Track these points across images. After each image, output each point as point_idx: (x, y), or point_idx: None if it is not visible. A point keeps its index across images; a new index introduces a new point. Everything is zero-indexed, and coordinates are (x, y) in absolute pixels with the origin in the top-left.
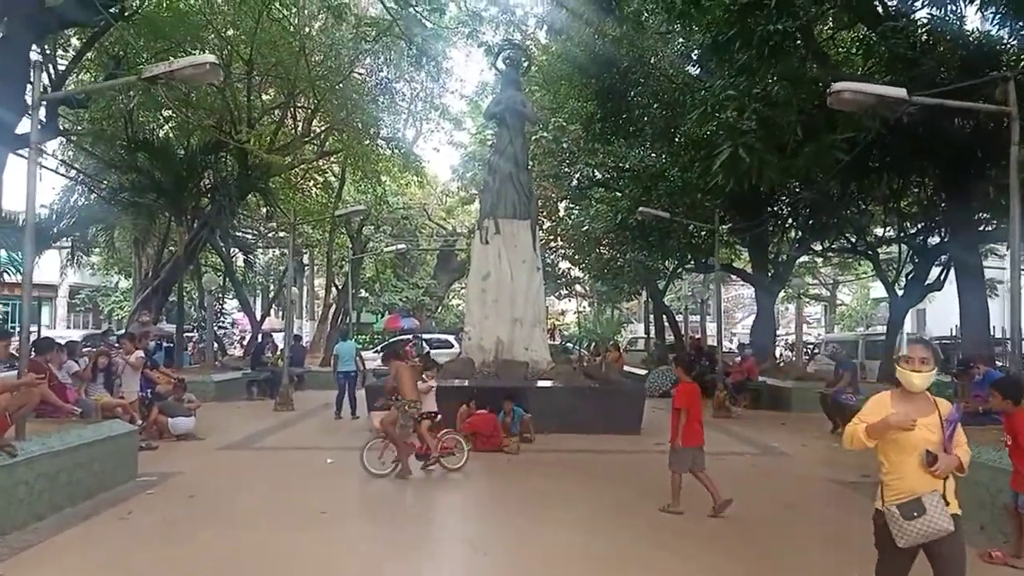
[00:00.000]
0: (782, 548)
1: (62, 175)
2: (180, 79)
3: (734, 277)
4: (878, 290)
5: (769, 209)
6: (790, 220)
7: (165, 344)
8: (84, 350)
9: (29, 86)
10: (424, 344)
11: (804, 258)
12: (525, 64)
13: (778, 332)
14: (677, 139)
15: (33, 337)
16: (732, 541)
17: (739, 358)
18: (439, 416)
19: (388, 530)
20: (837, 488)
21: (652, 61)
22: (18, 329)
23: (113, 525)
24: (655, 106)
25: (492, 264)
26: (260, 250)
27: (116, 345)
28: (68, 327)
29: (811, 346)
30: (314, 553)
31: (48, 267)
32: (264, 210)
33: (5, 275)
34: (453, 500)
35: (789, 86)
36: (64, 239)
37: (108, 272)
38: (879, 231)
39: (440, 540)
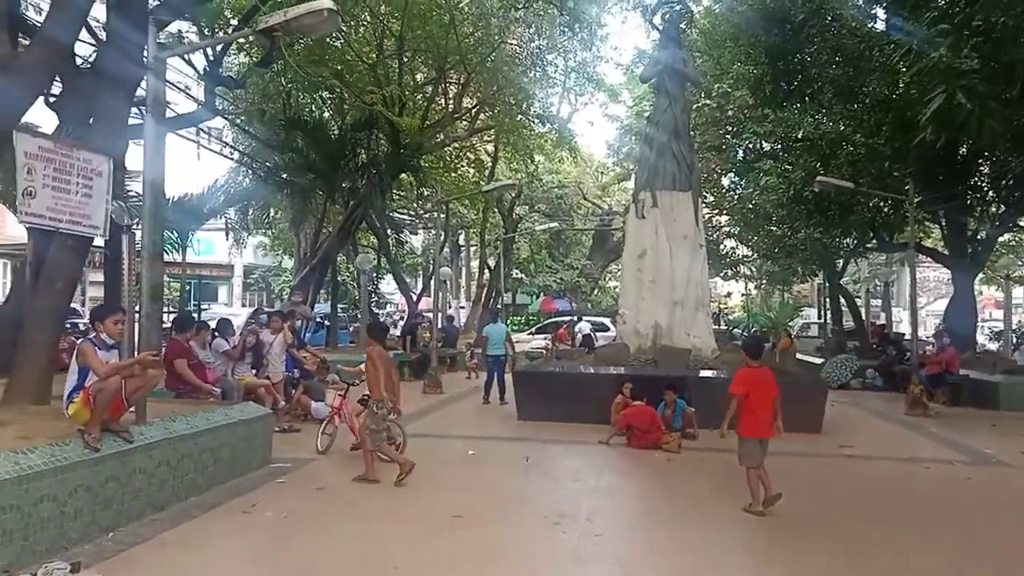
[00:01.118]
0: None
1: (216, 153)
2: (298, 30)
3: (922, 257)
4: None
5: (969, 181)
6: (991, 192)
7: (325, 323)
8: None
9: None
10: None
11: (1006, 236)
12: (686, 20)
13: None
14: (861, 100)
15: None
16: None
17: (935, 347)
18: None
19: (523, 540)
20: None
21: (831, 13)
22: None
23: (233, 519)
24: (835, 64)
25: (649, 241)
26: (419, 230)
27: (265, 324)
28: (243, 305)
29: (1017, 334)
30: (434, 564)
31: (223, 248)
32: (418, 191)
33: (176, 255)
34: (604, 506)
35: (1019, 15)
36: (218, 217)
37: (275, 252)
38: None
39: (586, 560)
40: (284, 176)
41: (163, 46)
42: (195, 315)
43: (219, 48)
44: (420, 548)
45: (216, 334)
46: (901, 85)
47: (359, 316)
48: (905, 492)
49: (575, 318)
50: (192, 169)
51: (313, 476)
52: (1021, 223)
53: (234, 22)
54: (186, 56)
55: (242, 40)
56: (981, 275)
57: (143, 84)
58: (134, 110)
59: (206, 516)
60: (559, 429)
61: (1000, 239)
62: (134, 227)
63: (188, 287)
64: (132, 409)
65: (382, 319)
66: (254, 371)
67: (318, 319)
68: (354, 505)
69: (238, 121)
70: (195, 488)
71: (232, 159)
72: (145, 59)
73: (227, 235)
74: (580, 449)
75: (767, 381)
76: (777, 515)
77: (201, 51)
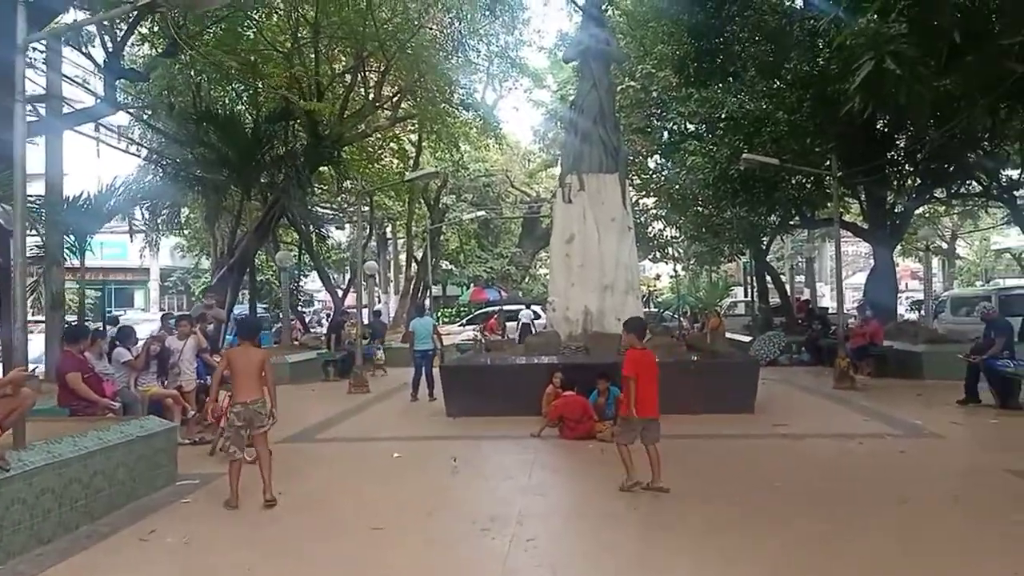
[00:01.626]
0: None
1: (121, 150)
2: (185, 5)
3: (843, 232)
4: (1000, 243)
5: (887, 155)
6: (907, 166)
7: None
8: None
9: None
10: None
11: (922, 208)
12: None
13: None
14: (783, 77)
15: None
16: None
17: (858, 320)
18: None
19: (449, 551)
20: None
21: None
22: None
23: (128, 548)
24: (756, 42)
25: (576, 225)
26: (345, 224)
27: (172, 330)
28: (161, 310)
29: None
30: None
31: (135, 251)
32: (340, 183)
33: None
34: (536, 506)
35: None
36: (124, 218)
37: (192, 253)
38: (1012, 173)
39: (517, 570)
40: (195, 172)
41: (55, 36)
42: (105, 323)
43: (118, 38)
44: (334, 569)
45: (117, 343)
46: (821, 61)
47: (281, 316)
48: (843, 470)
49: (522, 306)
50: (94, 169)
51: (221, 492)
52: (937, 195)
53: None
54: (85, 48)
55: (145, 30)
56: (899, 247)
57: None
58: (28, 107)
59: (97, 547)
60: (490, 424)
61: (916, 212)
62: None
63: (100, 293)
64: (8, 432)
65: (308, 317)
66: (160, 381)
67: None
68: (261, 525)
69: (143, 116)
70: (87, 516)
71: (139, 156)
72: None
73: (131, 237)
74: (512, 444)
75: (652, 362)
76: (717, 503)
77: (99, 42)
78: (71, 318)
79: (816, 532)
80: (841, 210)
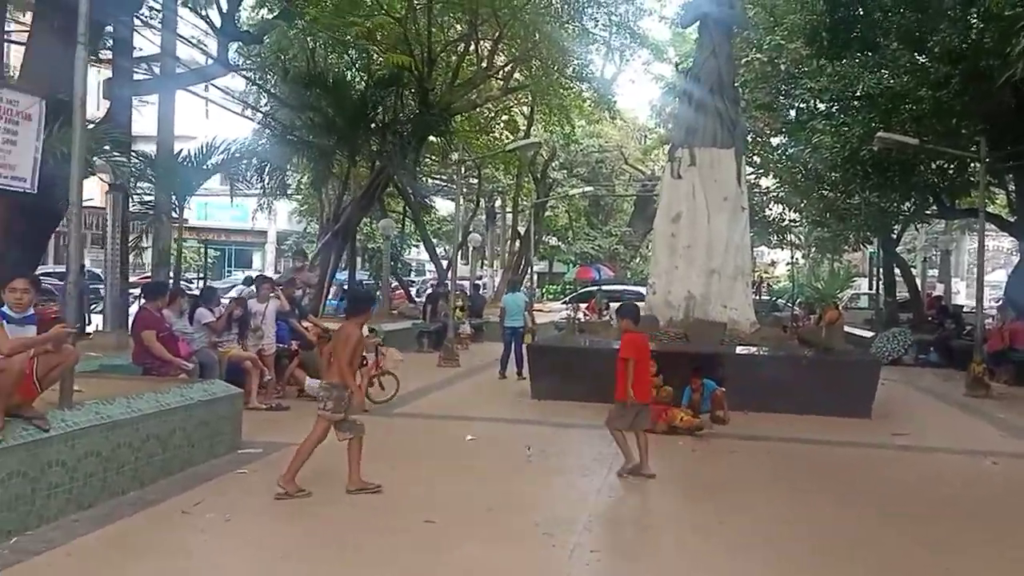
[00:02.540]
0: None
1: (229, 111)
2: None
3: (987, 225)
4: None
5: None
6: None
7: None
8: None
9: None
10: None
11: None
12: None
13: None
14: (929, 51)
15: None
16: None
17: (996, 321)
18: None
19: (500, 557)
20: None
21: None
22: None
23: (168, 520)
24: (900, 10)
25: (684, 202)
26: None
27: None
28: (276, 272)
29: None
30: None
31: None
32: (445, 155)
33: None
34: (610, 511)
35: None
36: (247, 184)
37: (304, 218)
38: None
39: None
40: (303, 136)
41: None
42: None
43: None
44: (365, 568)
45: (200, 303)
46: (974, 33)
47: (381, 284)
48: (970, 494)
49: (624, 287)
50: (204, 129)
51: (281, 463)
52: None
53: None
54: (203, 10)
55: None
56: None
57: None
58: (143, 66)
59: (135, 517)
60: (575, 410)
61: None
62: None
63: (218, 254)
64: (56, 390)
65: (417, 287)
66: (242, 344)
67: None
68: (309, 504)
69: (252, 77)
70: (135, 482)
71: (251, 119)
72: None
73: (231, 199)
74: (594, 435)
75: (647, 347)
76: (818, 523)
77: (215, 4)
78: (191, 277)
79: (927, 564)
80: (986, 200)
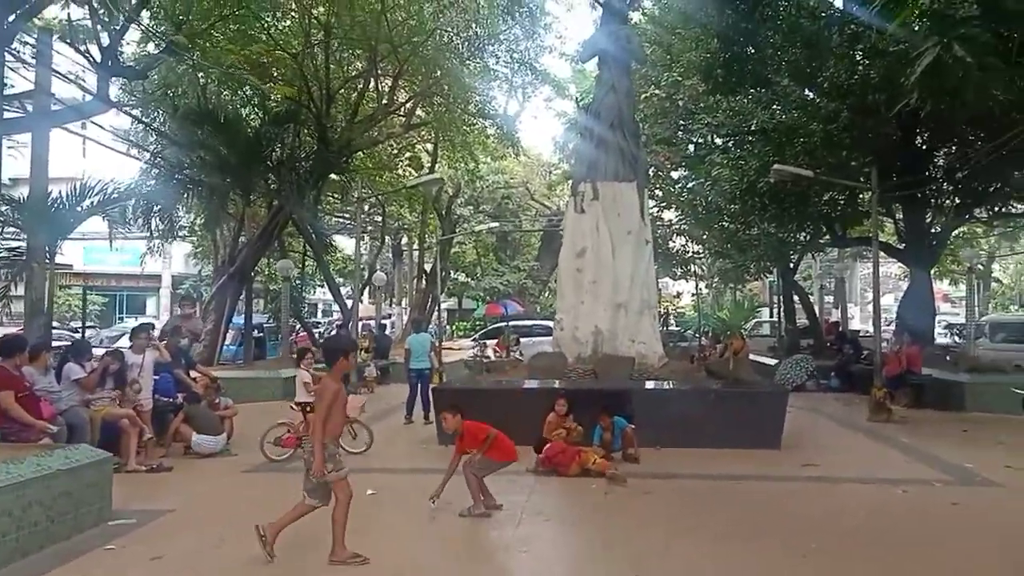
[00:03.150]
0: None
1: (110, 148)
2: None
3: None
4: None
5: (925, 172)
6: (946, 184)
7: (256, 335)
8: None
9: None
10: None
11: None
12: None
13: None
14: (819, 86)
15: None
16: None
17: (892, 345)
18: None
19: None
20: None
21: None
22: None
23: None
24: (791, 47)
25: (589, 237)
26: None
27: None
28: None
29: (958, 327)
30: None
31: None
32: (345, 193)
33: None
34: (517, 569)
35: None
36: (136, 226)
37: (199, 260)
38: None
39: None
40: (193, 175)
41: (46, 30)
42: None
43: (114, 32)
44: None
45: (69, 358)
46: (860, 68)
47: (281, 327)
48: (888, 527)
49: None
50: (87, 170)
51: (156, 538)
52: (977, 215)
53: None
54: (84, 45)
55: (147, 25)
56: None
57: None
58: (14, 103)
59: None
60: None
61: (954, 232)
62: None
63: (108, 300)
64: None
65: (322, 328)
66: (118, 400)
67: (256, 331)
68: None
69: (138, 115)
70: None
71: (138, 159)
72: None
73: (110, 243)
74: (504, 482)
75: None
76: (734, 566)
77: (95, 39)
78: (76, 326)
79: None
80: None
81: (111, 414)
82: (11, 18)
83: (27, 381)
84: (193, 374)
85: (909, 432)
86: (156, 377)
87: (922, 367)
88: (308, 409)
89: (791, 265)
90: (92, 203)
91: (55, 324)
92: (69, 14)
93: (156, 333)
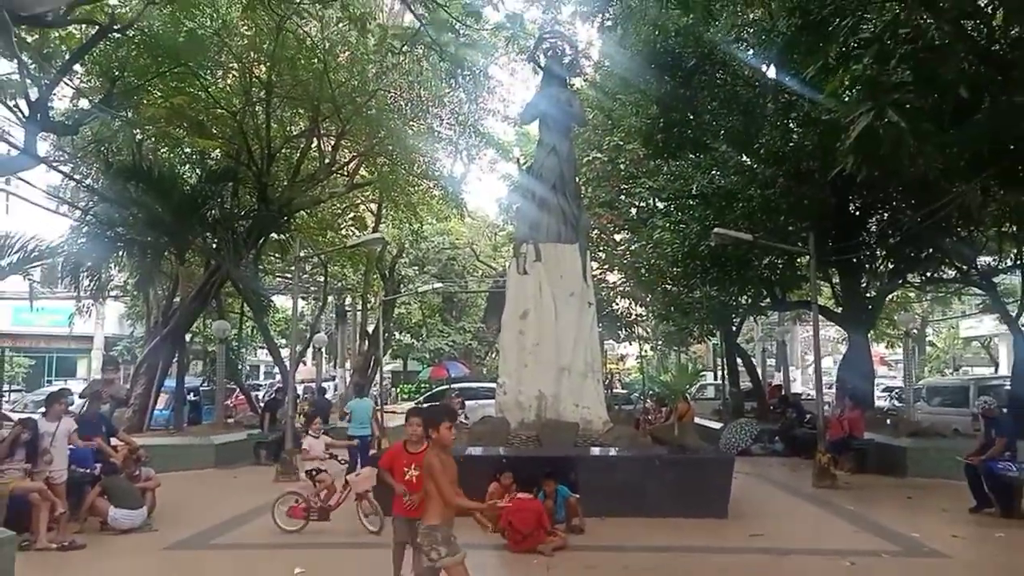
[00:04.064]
0: None
1: (37, 204)
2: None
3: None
4: (970, 330)
5: (859, 237)
6: (880, 249)
7: (192, 398)
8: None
9: None
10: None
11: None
12: (571, 56)
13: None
14: (755, 152)
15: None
16: None
17: (833, 408)
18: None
19: None
20: None
21: (720, 62)
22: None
23: None
24: (728, 114)
25: (532, 299)
26: (308, 296)
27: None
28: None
29: (896, 391)
30: None
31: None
32: (284, 253)
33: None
34: None
35: (956, 18)
36: (21, 276)
37: (132, 320)
38: (988, 259)
39: None
40: (124, 233)
41: None
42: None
43: (44, 87)
44: None
45: None
46: (795, 136)
47: (216, 391)
48: None
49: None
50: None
51: None
52: (910, 280)
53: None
54: (13, 99)
55: (83, 84)
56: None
57: None
58: None
59: None
60: None
61: (888, 296)
62: None
63: (34, 363)
64: None
65: (263, 392)
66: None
67: (190, 395)
68: None
69: (67, 170)
70: None
71: (68, 216)
72: None
73: (31, 304)
74: None
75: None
76: None
77: (23, 93)
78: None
79: None
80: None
81: (20, 487)
82: None
83: None
84: (115, 442)
85: (853, 498)
86: (71, 447)
87: (864, 431)
88: (314, 474)
89: (734, 328)
90: (11, 261)
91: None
92: None
93: (75, 398)
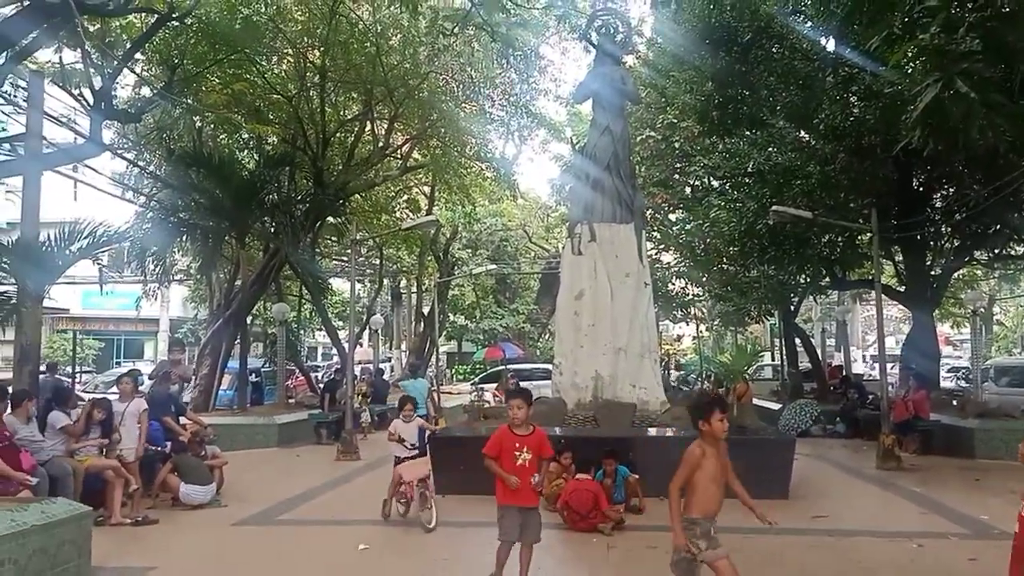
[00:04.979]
0: None
1: (103, 191)
2: None
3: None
4: None
5: (927, 210)
6: (945, 226)
7: (252, 379)
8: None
9: None
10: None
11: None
12: (623, 34)
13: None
14: (815, 128)
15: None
16: None
17: (896, 389)
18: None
19: None
20: None
21: (777, 35)
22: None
23: None
24: (785, 88)
25: (587, 280)
26: (364, 278)
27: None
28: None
29: (962, 371)
30: None
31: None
32: (341, 236)
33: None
34: None
35: None
36: (91, 261)
37: (195, 304)
38: None
39: None
40: (186, 218)
41: (38, 73)
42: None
43: (107, 76)
44: None
45: (54, 406)
46: (855, 111)
47: (277, 372)
48: None
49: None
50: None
51: None
52: (977, 257)
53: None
54: (73, 87)
55: (144, 72)
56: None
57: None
58: (5, 146)
59: None
60: (481, 505)
61: (955, 274)
62: None
63: (104, 345)
64: None
65: (322, 372)
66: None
67: (252, 376)
68: None
69: (132, 157)
70: None
71: (133, 203)
72: None
73: (100, 288)
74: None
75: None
76: None
77: (88, 82)
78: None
79: None
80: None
81: (95, 465)
82: (1, 61)
83: (7, 431)
84: (183, 421)
85: (919, 480)
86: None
87: (929, 412)
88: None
89: (792, 308)
90: (81, 247)
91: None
92: (61, 57)
93: (145, 379)
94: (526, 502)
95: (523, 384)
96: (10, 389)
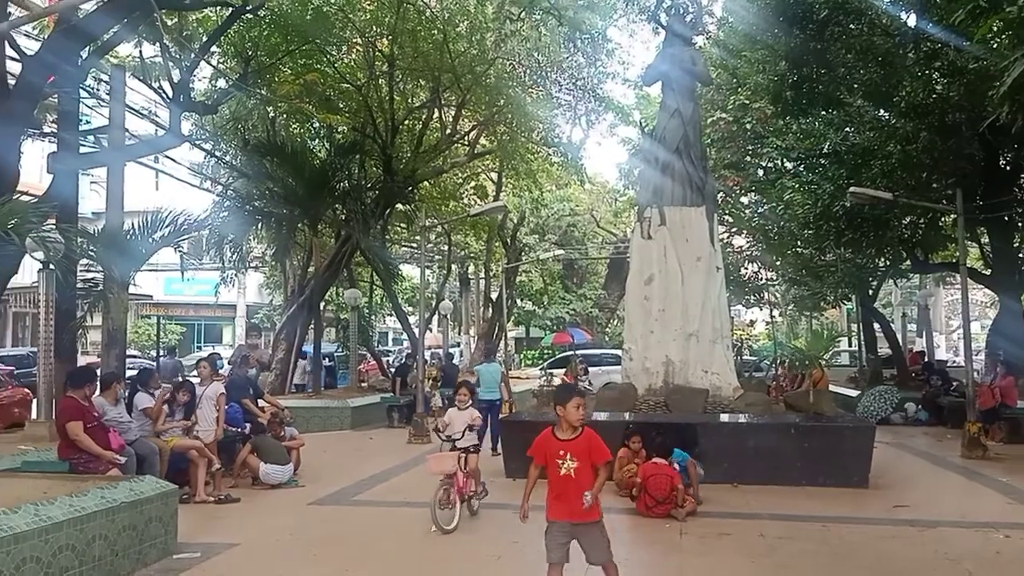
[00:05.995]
0: None
1: (183, 182)
2: None
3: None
4: None
5: (1015, 190)
6: None
7: (326, 363)
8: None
9: None
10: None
11: None
12: (693, 14)
13: None
14: (895, 106)
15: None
16: None
17: (981, 375)
18: None
19: None
20: None
21: (855, 10)
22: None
23: None
24: (864, 66)
25: (656, 264)
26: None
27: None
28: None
29: None
30: None
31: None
32: (410, 222)
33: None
34: None
35: None
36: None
37: (270, 290)
38: None
39: None
40: (261, 207)
41: (119, 67)
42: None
43: (185, 69)
44: None
45: (139, 388)
46: (939, 87)
47: (349, 356)
48: None
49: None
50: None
51: (219, 573)
52: None
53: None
54: (157, 81)
55: (220, 64)
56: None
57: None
58: (89, 138)
59: None
60: None
61: None
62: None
63: (185, 330)
64: None
65: (393, 357)
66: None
67: (327, 360)
68: None
69: (209, 148)
70: None
71: (210, 191)
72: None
73: (182, 274)
74: None
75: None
76: None
77: (167, 75)
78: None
79: None
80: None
81: (180, 445)
82: (85, 55)
83: (96, 411)
84: (261, 403)
85: (1006, 470)
86: (226, 407)
87: (1017, 400)
88: (471, 451)
89: (870, 292)
90: (163, 235)
91: (135, 353)
92: (141, 51)
93: (224, 363)
94: (576, 517)
95: (592, 369)
96: (99, 372)
